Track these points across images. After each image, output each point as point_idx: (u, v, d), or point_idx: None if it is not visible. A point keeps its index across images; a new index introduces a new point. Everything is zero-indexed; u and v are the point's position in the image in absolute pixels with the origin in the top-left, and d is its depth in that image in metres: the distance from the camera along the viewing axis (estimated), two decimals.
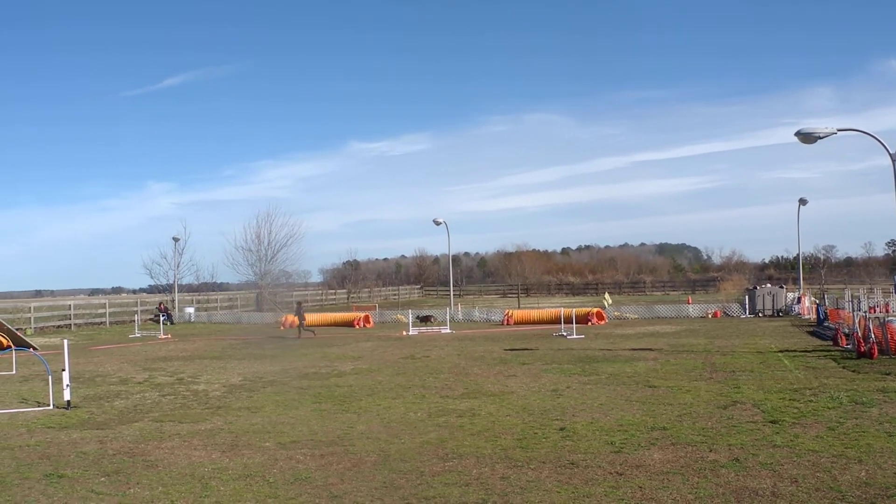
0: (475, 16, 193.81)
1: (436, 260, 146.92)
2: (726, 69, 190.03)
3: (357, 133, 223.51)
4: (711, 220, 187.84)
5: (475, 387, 18.70)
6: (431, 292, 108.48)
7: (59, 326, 51.03)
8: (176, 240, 63.43)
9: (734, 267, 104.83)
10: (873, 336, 22.88)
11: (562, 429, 13.24)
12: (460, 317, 47.63)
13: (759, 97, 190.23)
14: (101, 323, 54.32)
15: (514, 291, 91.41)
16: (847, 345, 25.14)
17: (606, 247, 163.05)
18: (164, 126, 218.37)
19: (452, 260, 63.67)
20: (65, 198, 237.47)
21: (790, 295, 46.98)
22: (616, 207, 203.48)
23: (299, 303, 42.85)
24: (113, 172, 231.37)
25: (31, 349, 26.28)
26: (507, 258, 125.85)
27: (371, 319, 46.20)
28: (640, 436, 12.50)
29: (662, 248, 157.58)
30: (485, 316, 47.43)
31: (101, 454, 12.44)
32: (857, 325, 24.43)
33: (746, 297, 46.61)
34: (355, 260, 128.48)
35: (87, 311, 56.25)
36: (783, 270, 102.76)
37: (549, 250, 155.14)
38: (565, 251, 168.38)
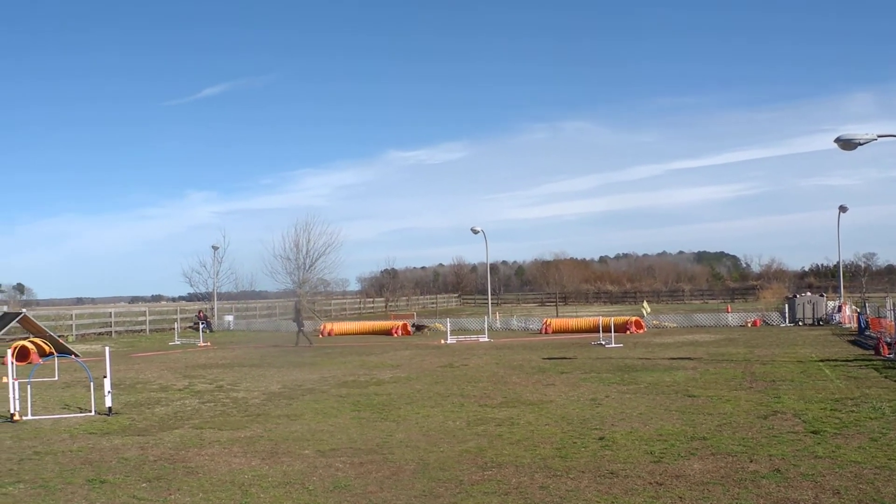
0: (512, 23, 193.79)
1: (473, 268, 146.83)
2: (764, 75, 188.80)
3: (394, 141, 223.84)
4: (750, 228, 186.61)
5: (514, 395, 18.67)
6: (469, 301, 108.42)
7: (99, 334, 51.47)
8: (215, 248, 63.85)
9: (773, 275, 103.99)
10: None
11: (601, 438, 13.18)
12: (498, 325, 47.55)
13: (797, 103, 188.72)
14: (142, 330, 54.72)
15: (551, 300, 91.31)
16: (889, 354, 24.89)
17: (644, 255, 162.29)
18: (204, 135, 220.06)
19: (490, 268, 63.61)
20: (106, 206, 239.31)
21: (830, 303, 46.46)
22: (653, 215, 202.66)
23: (298, 309, 42.69)
24: (153, 181, 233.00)
25: (73, 356, 26.50)
26: (545, 266, 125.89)
27: (409, 328, 46.21)
28: (679, 445, 12.42)
29: (701, 257, 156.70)
30: (523, 324, 47.31)
31: (143, 460, 12.54)
32: None
33: (786, 305, 46.23)
34: (393, 268, 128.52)
35: (128, 319, 56.72)
36: (823, 278, 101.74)
37: (587, 259, 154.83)
38: (603, 259, 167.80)
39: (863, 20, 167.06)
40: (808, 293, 50.33)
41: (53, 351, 28.32)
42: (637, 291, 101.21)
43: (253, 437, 14.22)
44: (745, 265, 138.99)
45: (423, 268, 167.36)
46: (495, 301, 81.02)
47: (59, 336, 35.02)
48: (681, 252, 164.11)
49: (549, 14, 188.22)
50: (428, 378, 22.66)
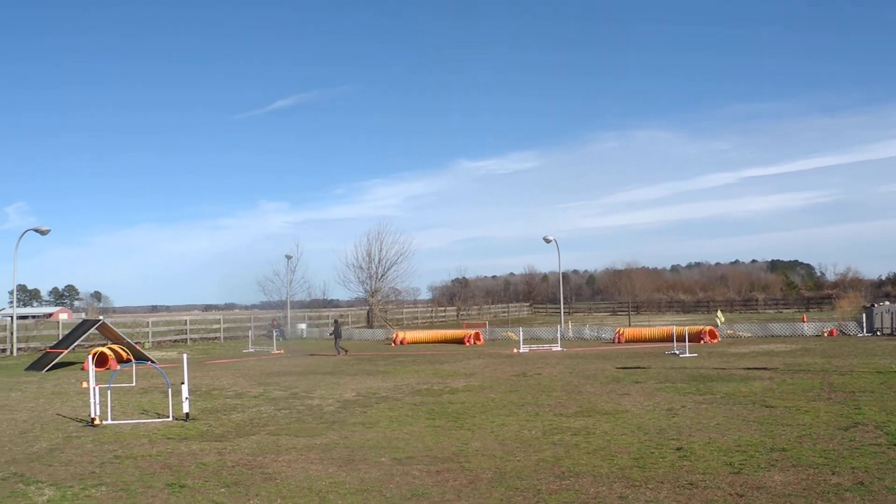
0: (583, 33, 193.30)
1: (544, 277, 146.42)
2: (840, 79, 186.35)
3: (465, 151, 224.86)
4: (824, 236, 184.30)
5: (588, 405, 18.53)
6: (541, 310, 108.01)
7: (175, 341, 52.11)
8: (289, 257, 64.38)
9: (849, 284, 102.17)
10: None
11: (679, 448, 13.01)
12: (570, 334, 47.30)
13: (875, 107, 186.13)
14: (216, 338, 55.35)
15: (623, 309, 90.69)
16: None
17: (717, 264, 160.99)
18: (276, 147, 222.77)
19: (561, 277, 63.34)
20: (181, 216, 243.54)
21: None
22: (726, 224, 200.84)
23: (336, 321, 43.06)
24: (227, 192, 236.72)
25: (150, 362, 26.86)
26: (617, 275, 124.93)
27: (482, 336, 46.14)
28: (759, 457, 12.20)
29: (774, 265, 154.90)
30: (595, 334, 46.99)
31: (221, 466, 12.64)
32: None
33: (864, 314, 45.27)
34: (464, 277, 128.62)
35: (202, 327, 57.38)
36: None
37: (659, 267, 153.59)
38: (675, 268, 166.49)
39: None
40: (887, 302, 49.39)
41: (131, 357, 28.79)
42: (710, 301, 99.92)
43: (329, 444, 14.26)
44: (819, 274, 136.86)
45: (493, 277, 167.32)
46: (567, 310, 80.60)
47: (135, 343, 35.48)
48: (754, 261, 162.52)
49: (618, 25, 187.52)
50: (502, 387, 22.58)
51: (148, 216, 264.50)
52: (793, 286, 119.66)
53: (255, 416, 18.21)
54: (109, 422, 17.29)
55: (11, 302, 50.02)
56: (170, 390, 18.52)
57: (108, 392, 18.48)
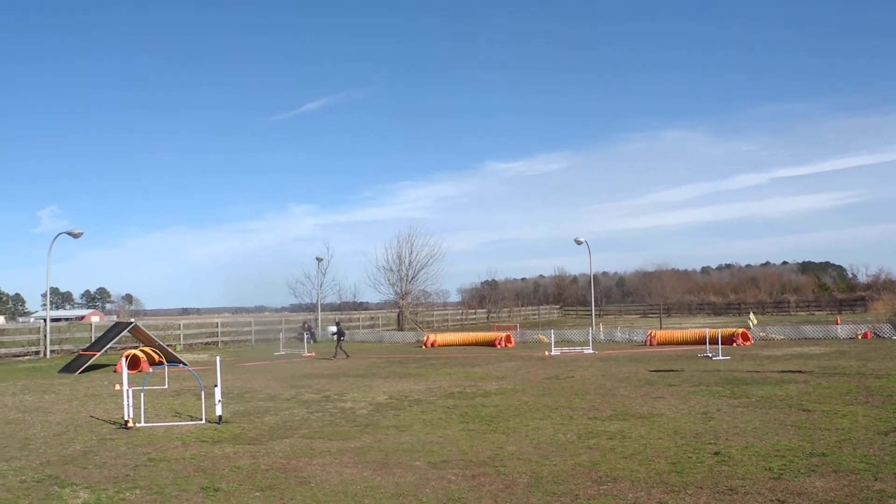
0: (611, 32, 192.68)
1: (574, 279, 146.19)
2: (870, 78, 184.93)
3: (493, 153, 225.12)
4: (856, 237, 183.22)
5: (623, 408, 18.37)
6: (571, 312, 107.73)
7: (206, 343, 52.26)
8: (319, 260, 64.44)
9: (882, 286, 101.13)
10: None
11: (716, 453, 12.83)
12: (602, 337, 47.09)
13: None
14: (247, 340, 55.46)
15: (654, 311, 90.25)
16: None
17: (748, 265, 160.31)
18: (305, 149, 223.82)
19: (592, 279, 63.10)
20: (211, 219, 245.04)
21: None
22: (756, 225, 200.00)
23: (338, 322, 42.87)
24: (257, 195, 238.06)
25: (182, 365, 26.90)
26: (647, 277, 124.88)
27: (512, 339, 46.00)
28: (798, 462, 12.01)
29: (805, 267, 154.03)
30: (627, 336, 46.75)
31: (255, 469, 12.59)
32: None
33: None
34: (494, 280, 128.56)
35: (233, 329, 57.50)
36: None
37: (689, 269, 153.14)
38: (705, 270, 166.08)
39: None
40: None
41: (163, 360, 28.84)
42: (741, 303, 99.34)
43: (363, 448, 14.19)
44: (851, 275, 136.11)
45: (523, 279, 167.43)
46: (598, 312, 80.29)
47: (167, 345, 35.58)
48: (785, 262, 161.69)
49: (646, 23, 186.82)
50: (535, 390, 22.45)
51: (179, 219, 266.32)
52: (825, 288, 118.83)
53: (287, 418, 18.17)
54: (143, 424, 17.30)
55: (45, 305, 50.28)
56: (202, 393, 18.51)
57: (141, 394, 18.49)
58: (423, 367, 31.21)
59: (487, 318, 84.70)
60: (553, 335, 40.23)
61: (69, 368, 32.51)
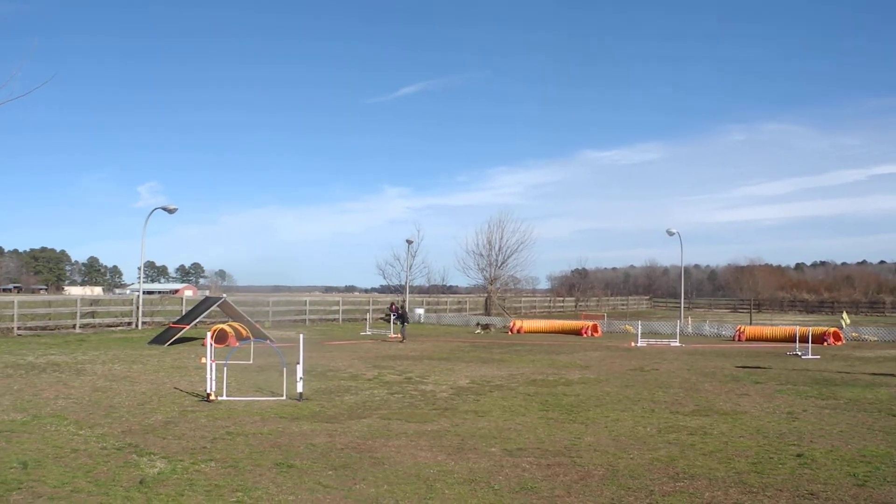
0: (711, 25, 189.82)
1: (665, 271, 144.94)
2: None
3: (589, 141, 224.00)
4: None
5: (706, 404, 18.03)
6: (660, 304, 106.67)
7: (294, 321, 52.71)
8: (409, 242, 64.57)
9: None
10: None
11: (799, 455, 12.49)
12: (690, 330, 46.46)
13: None
14: (335, 319, 55.85)
15: (744, 306, 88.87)
16: None
17: (843, 263, 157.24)
18: (401, 133, 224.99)
19: (683, 271, 62.35)
20: (306, 198, 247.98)
21: None
22: (854, 222, 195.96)
23: (402, 305, 42.07)
24: (353, 177, 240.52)
25: (268, 341, 27.12)
26: (739, 272, 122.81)
27: (599, 329, 45.64)
28: (885, 469, 11.59)
29: None
30: (715, 330, 46.04)
31: (330, 447, 12.61)
32: None
33: None
34: (583, 268, 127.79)
35: (322, 308, 57.94)
36: None
37: (783, 265, 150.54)
38: (799, 266, 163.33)
39: None
40: None
41: (250, 335, 29.13)
42: (834, 301, 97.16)
43: (440, 432, 14.13)
44: None
45: (613, 269, 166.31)
46: (687, 305, 79.34)
47: (256, 321, 35.94)
48: (882, 262, 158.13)
49: (748, 14, 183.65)
50: (618, 381, 22.19)
51: (274, 198, 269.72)
52: None
53: (367, 399, 18.20)
54: (224, 398, 17.48)
55: (139, 277, 51.24)
56: (285, 370, 18.62)
57: (225, 369, 18.68)
58: (508, 353, 31.09)
59: (575, 306, 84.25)
60: (640, 326, 39.79)
61: (159, 340, 33.06)
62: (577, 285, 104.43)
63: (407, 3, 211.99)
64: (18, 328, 37.87)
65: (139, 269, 55.56)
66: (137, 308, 44.20)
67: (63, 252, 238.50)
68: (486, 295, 70.36)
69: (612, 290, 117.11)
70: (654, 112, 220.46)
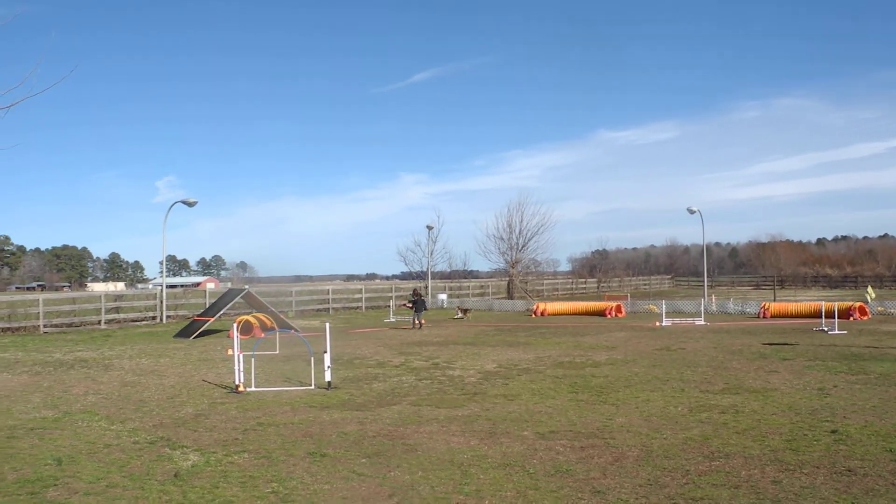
0: (719, 2, 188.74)
1: (686, 249, 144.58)
2: None
3: (604, 122, 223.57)
4: None
5: (735, 382, 17.93)
6: (682, 282, 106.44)
7: (317, 310, 52.77)
8: (430, 228, 64.53)
9: None
10: None
11: (833, 431, 12.38)
12: (714, 308, 46.29)
13: None
14: (357, 307, 55.87)
15: (767, 283, 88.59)
16: None
17: (865, 237, 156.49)
18: (416, 119, 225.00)
19: (703, 250, 62.12)
20: (324, 188, 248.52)
21: None
22: (874, 196, 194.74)
23: (419, 291, 41.45)
24: (369, 165, 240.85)
25: (293, 331, 27.15)
26: (761, 248, 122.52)
27: (623, 309, 45.53)
28: None
29: None
30: (739, 308, 45.86)
31: (362, 435, 12.59)
32: None
33: None
34: (604, 249, 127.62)
35: (344, 297, 57.96)
36: None
37: (804, 241, 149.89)
38: (820, 241, 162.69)
39: None
40: None
41: (275, 326, 29.17)
42: (857, 276, 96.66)
43: (471, 416, 14.11)
44: None
45: (634, 249, 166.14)
46: (709, 283, 79.10)
47: (279, 312, 35.99)
48: None
49: None
50: (645, 361, 22.11)
51: (292, 189, 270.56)
52: None
53: (396, 385, 18.20)
54: (253, 389, 17.50)
55: (161, 272, 51.40)
56: (312, 359, 18.63)
57: (252, 359, 18.71)
58: (533, 336, 31.04)
59: (598, 287, 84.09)
60: (664, 306, 39.67)
61: (184, 333, 33.15)
62: (599, 266, 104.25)
63: None
64: (44, 326, 38.06)
65: (161, 263, 55.78)
66: (161, 302, 44.31)
67: (84, 249, 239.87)
68: (507, 279, 70.27)
69: (634, 270, 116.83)
70: (668, 91, 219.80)
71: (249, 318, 32.03)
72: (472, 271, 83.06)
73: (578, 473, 10.03)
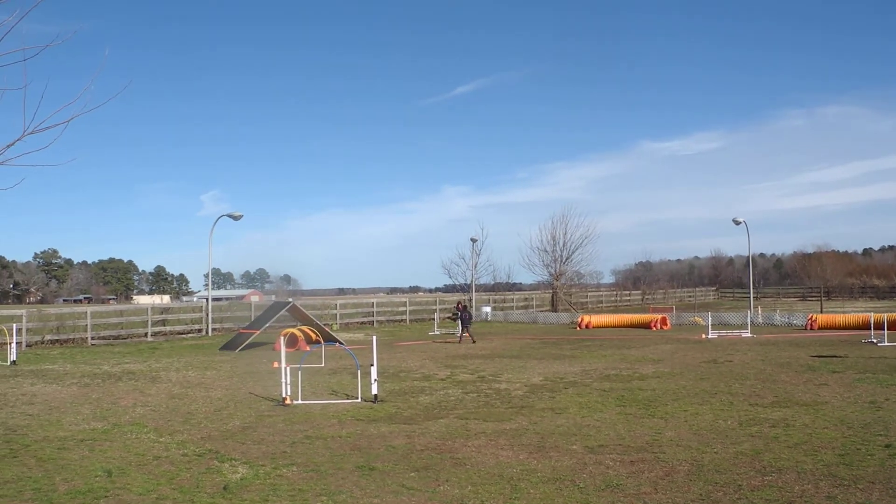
0: (768, 6, 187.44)
1: (730, 261, 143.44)
2: None
3: (648, 132, 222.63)
4: None
5: (785, 395, 17.73)
6: (727, 294, 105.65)
7: (362, 323, 52.90)
8: (474, 240, 64.48)
9: None
10: None
11: (887, 446, 12.17)
12: (760, 320, 45.90)
13: None
14: (402, 320, 55.90)
15: (813, 294, 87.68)
16: None
17: None
18: (458, 132, 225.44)
19: (748, 261, 61.62)
20: (367, 201, 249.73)
21: None
22: None
23: (465, 305, 40.88)
24: (412, 178, 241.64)
25: (338, 344, 27.20)
26: (806, 259, 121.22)
27: (668, 321, 45.25)
28: None
29: None
30: (786, 319, 45.47)
31: (410, 449, 12.57)
32: None
33: None
34: (648, 261, 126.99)
35: (388, 309, 58.01)
36: None
37: (850, 251, 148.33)
38: (867, 252, 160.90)
39: None
40: None
41: (321, 339, 29.24)
42: None
43: (518, 430, 14.04)
44: None
45: (678, 260, 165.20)
46: (755, 295, 78.49)
47: (324, 324, 36.08)
48: None
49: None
50: (692, 374, 21.94)
51: (336, 201, 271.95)
52: None
53: (442, 399, 18.17)
54: (300, 402, 17.53)
55: (206, 285, 51.72)
56: (359, 372, 18.66)
57: (299, 372, 18.74)
58: (578, 349, 30.92)
59: (642, 299, 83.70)
60: (710, 317, 39.38)
61: (229, 346, 33.32)
62: (643, 278, 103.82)
63: (455, 6, 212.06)
64: (92, 338, 38.41)
65: (206, 275, 56.09)
66: (207, 315, 44.60)
67: (130, 262, 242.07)
68: (551, 291, 70.09)
69: (678, 281, 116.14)
70: (711, 100, 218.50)
71: (295, 330, 32.11)
72: (515, 284, 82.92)
73: (629, 488, 9.94)
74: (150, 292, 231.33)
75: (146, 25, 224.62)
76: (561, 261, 68.82)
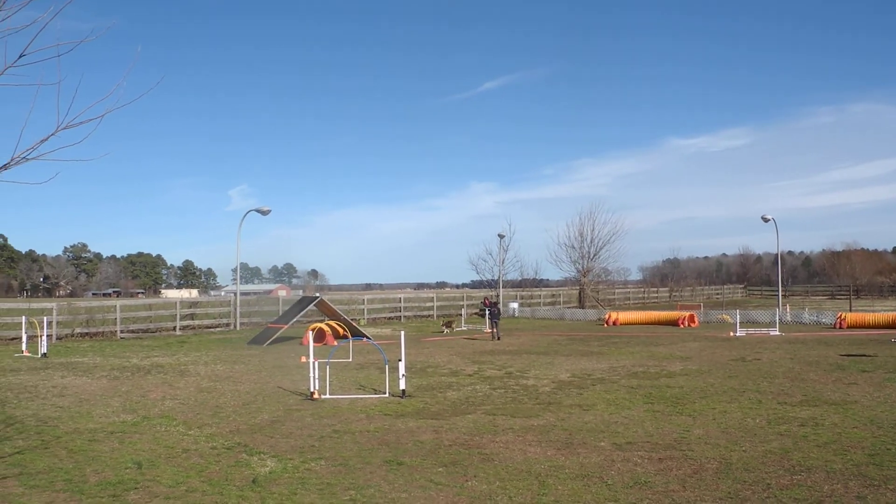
0: (795, 5, 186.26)
1: (758, 258, 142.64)
2: None
3: (675, 129, 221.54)
4: None
5: (814, 394, 17.63)
6: (755, 292, 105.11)
7: (389, 318, 53.01)
8: (501, 236, 64.44)
9: None
10: None
11: None
12: (788, 318, 45.66)
13: None
14: (429, 316, 55.97)
15: (842, 293, 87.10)
16: None
17: None
18: (485, 128, 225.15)
19: (776, 259, 61.30)
20: (395, 198, 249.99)
21: None
22: None
23: (494, 301, 40.63)
24: (439, 174, 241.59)
25: (366, 339, 27.26)
26: (835, 257, 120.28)
27: (696, 319, 45.07)
28: None
29: None
30: (815, 318, 45.20)
31: (438, 444, 12.60)
32: None
33: None
34: (675, 258, 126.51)
35: (416, 305, 58.08)
36: None
37: (880, 249, 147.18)
38: None
39: None
40: None
41: (348, 333, 29.33)
42: None
43: (546, 426, 14.04)
44: None
45: (705, 257, 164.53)
46: (783, 293, 78.07)
47: (352, 319, 36.18)
48: None
49: None
50: (720, 371, 21.85)
51: (363, 197, 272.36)
52: None
53: (470, 394, 18.18)
54: (328, 396, 17.59)
55: (234, 279, 51.91)
56: (386, 367, 18.70)
57: (327, 367, 18.81)
58: (606, 346, 30.87)
59: (669, 296, 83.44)
60: (738, 315, 39.20)
61: (257, 340, 33.45)
62: (670, 275, 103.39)
63: (484, 3, 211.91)
64: (121, 331, 38.67)
65: (234, 270, 56.28)
66: (235, 309, 44.82)
67: (159, 256, 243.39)
68: (579, 287, 69.98)
69: (705, 279, 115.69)
70: (739, 97, 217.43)
71: (322, 325, 32.21)
72: (542, 280, 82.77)
73: (657, 485, 9.93)
74: (179, 286, 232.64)
75: (178, 21, 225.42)
76: (588, 257, 68.76)
